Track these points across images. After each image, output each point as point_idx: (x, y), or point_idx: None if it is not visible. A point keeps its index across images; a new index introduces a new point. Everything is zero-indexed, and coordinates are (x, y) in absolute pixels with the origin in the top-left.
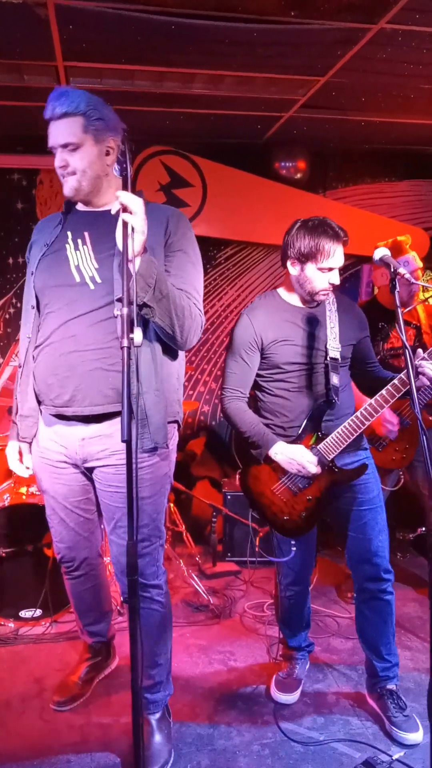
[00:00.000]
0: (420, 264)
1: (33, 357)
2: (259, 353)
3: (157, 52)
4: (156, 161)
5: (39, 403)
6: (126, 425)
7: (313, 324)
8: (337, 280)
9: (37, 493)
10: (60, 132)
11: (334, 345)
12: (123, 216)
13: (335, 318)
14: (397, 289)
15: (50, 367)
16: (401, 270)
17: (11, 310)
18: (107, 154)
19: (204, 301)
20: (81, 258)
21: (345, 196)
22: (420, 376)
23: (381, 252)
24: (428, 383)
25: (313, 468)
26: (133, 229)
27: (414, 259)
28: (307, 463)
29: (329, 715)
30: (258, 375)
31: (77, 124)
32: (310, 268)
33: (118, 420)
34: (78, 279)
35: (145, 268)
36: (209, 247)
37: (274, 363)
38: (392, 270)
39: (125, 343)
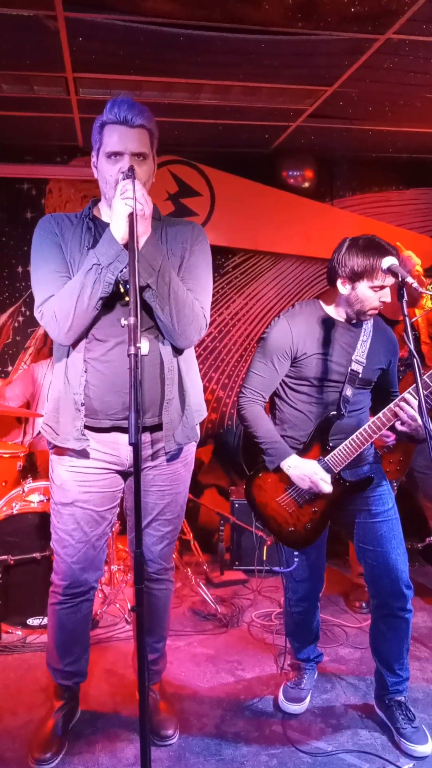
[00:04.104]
0: (418, 260)
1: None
2: (290, 362)
3: (165, 63)
4: (164, 171)
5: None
6: (134, 429)
7: (349, 340)
8: (388, 298)
9: (45, 500)
10: (134, 139)
11: (359, 359)
12: (125, 202)
13: (369, 334)
14: (405, 298)
15: (109, 384)
16: (409, 279)
17: (20, 318)
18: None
19: (211, 309)
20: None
21: (352, 204)
22: (400, 411)
23: (389, 261)
24: (406, 419)
25: (327, 487)
26: (136, 216)
27: (410, 257)
28: (320, 481)
29: (337, 725)
30: (282, 383)
31: (147, 137)
32: (362, 286)
33: (167, 426)
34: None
35: (150, 250)
36: (217, 256)
37: (302, 375)
38: (400, 279)
39: (132, 350)
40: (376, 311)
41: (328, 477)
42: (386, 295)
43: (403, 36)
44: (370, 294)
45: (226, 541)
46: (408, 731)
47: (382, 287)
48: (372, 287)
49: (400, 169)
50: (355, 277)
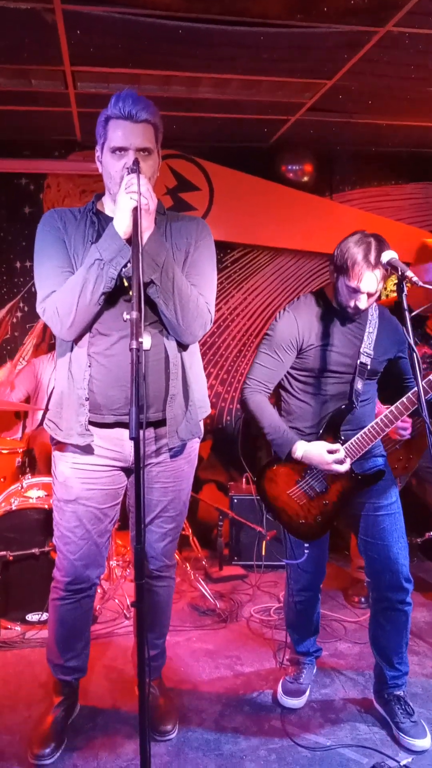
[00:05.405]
0: None
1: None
2: (296, 353)
3: (164, 56)
4: (163, 165)
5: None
6: (135, 424)
7: (354, 330)
8: (363, 305)
9: (44, 496)
10: (138, 135)
11: (367, 351)
12: (130, 196)
13: (375, 325)
14: (405, 292)
15: (113, 379)
16: (408, 273)
17: (18, 314)
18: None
19: None
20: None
21: (352, 198)
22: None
23: (388, 255)
24: None
25: (343, 467)
26: (141, 211)
27: None
28: (334, 463)
29: (336, 720)
30: (288, 375)
31: (152, 132)
32: (341, 281)
33: (170, 421)
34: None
35: (153, 246)
36: (216, 251)
37: (308, 366)
38: (400, 273)
39: (134, 345)
40: (355, 311)
41: (341, 455)
42: (363, 302)
43: (403, 29)
44: (346, 292)
45: (225, 536)
46: (407, 726)
47: (355, 290)
48: (347, 286)
49: (399, 164)
50: (336, 270)
